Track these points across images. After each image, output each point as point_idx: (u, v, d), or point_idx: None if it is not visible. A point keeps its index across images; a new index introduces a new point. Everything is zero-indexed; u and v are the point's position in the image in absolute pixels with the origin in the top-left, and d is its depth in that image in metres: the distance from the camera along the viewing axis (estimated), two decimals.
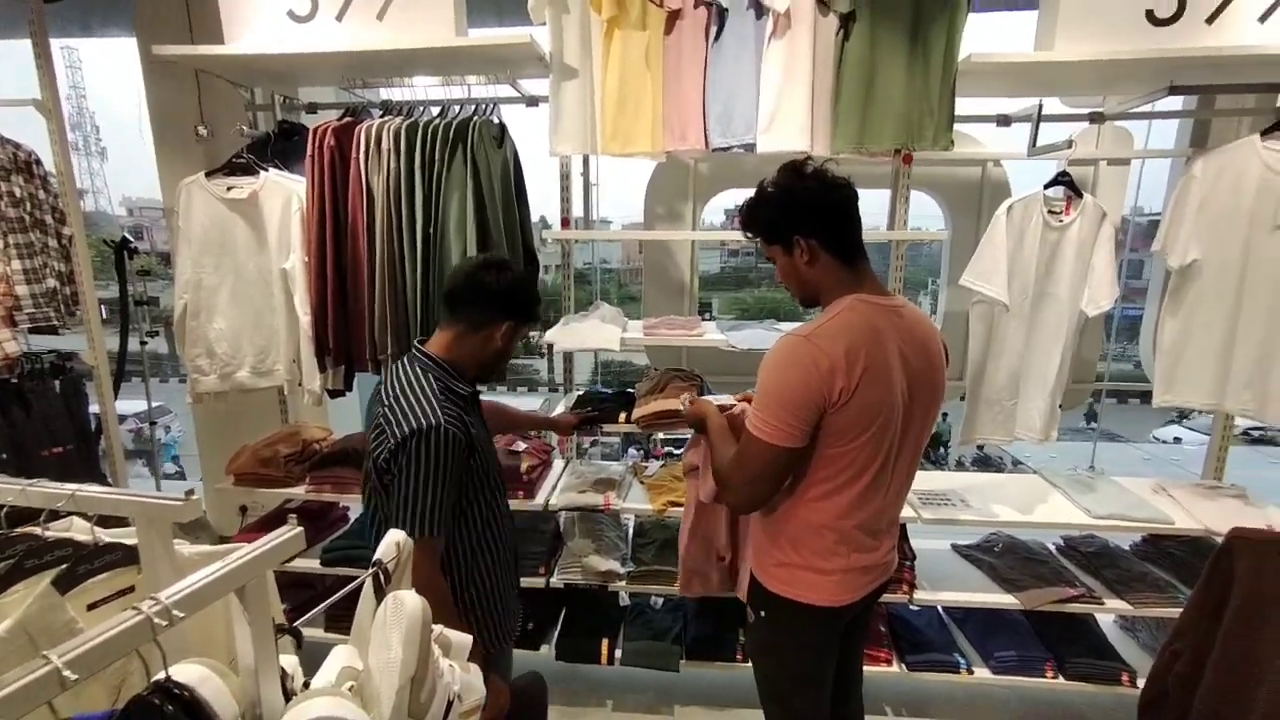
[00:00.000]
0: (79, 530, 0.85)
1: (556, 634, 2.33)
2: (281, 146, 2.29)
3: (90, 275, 2.39)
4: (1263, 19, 1.85)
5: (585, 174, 2.62)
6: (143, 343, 2.79)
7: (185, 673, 0.58)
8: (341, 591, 0.99)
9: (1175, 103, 2.21)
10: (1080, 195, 2.07)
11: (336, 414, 2.83)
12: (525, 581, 2.23)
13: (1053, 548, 2.35)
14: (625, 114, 2.13)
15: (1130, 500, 2.09)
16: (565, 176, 2.41)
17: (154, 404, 3.24)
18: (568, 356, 2.52)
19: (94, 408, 2.47)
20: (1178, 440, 13.36)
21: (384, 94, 2.41)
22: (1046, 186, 2.08)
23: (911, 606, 2.23)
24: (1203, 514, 2.02)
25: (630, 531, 2.48)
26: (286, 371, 2.27)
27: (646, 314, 2.84)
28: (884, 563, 1.37)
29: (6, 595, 0.72)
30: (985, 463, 9.81)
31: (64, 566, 0.73)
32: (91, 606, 0.74)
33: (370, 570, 0.98)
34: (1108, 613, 2.14)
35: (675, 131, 2.15)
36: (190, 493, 0.73)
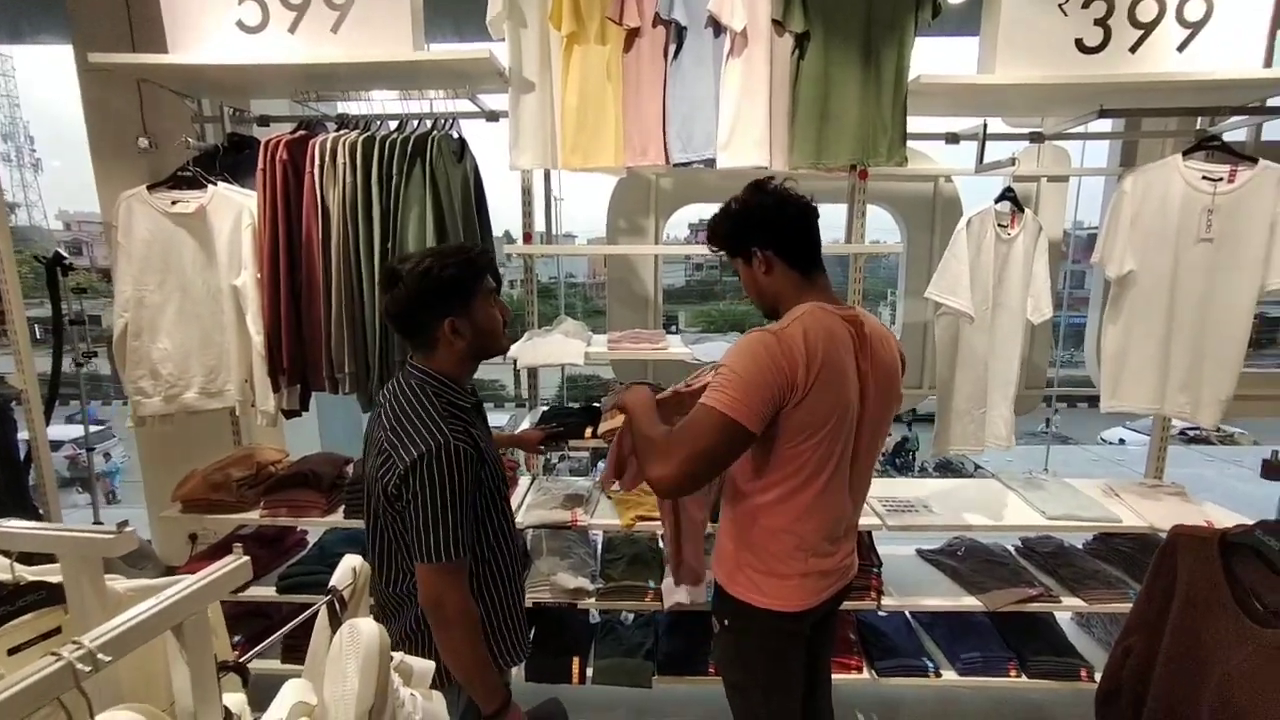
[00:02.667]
0: None
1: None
2: (231, 160, 2.21)
3: (18, 292, 2.26)
4: (1181, 48, 1.98)
5: (548, 189, 2.61)
6: (78, 364, 2.64)
7: None
8: (294, 621, 0.94)
9: (1106, 124, 2.34)
10: (1022, 210, 2.16)
11: (292, 435, 2.73)
12: None
13: (1012, 549, 2.42)
14: (585, 129, 2.13)
15: (1081, 500, 2.17)
16: (527, 191, 2.39)
17: (94, 428, 3.06)
18: (533, 372, 2.48)
19: (23, 434, 2.32)
20: (1122, 441, 13.99)
21: (340, 107, 2.36)
22: (996, 201, 2.17)
23: (880, 613, 2.27)
24: (1147, 512, 2.11)
25: (599, 548, 2.45)
26: (238, 392, 2.18)
27: (611, 328, 2.84)
28: (842, 567, 1.40)
29: None
30: (947, 467, 10.12)
31: None
32: (13, 651, 0.68)
33: (325, 598, 0.94)
34: (1065, 610, 2.20)
35: (636, 146, 2.16)
36: (124, 524, 0.68)
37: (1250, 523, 1.03)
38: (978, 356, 2.22)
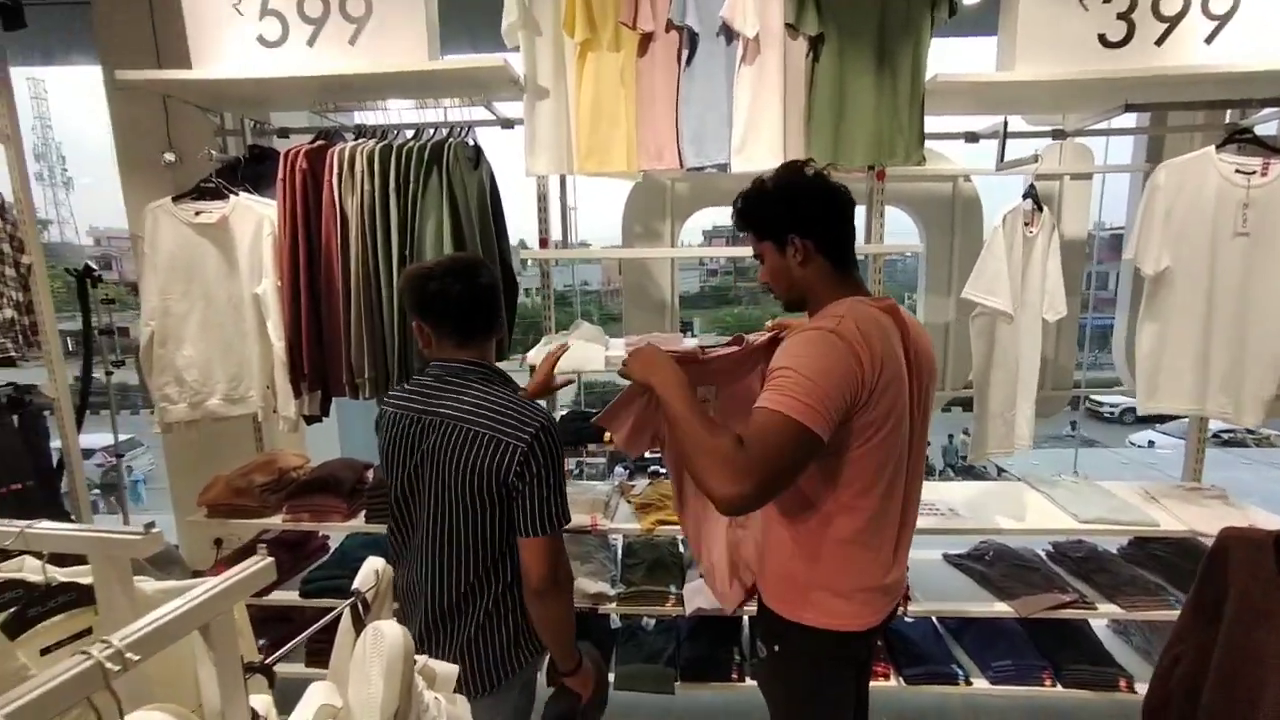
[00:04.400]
0: (30, 570, 0.80)
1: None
2: (252, 171, 2.25)
3: (50, 305, 2.32)
4: (1209, 40, 1.93)
5: (563, 197, 2.63)
6: (108, 373, 2.70)
7: None
8: (317, 624, 0.95)
9: (1131, 120, 2.29)
10: (1042, 209, 2.12)
11: (314, 440, 2.76)
12: None
13: (1043, 554, 2.35)
14: (600, 134, 2.14)
15: (1115, 504, 2.11)
16: (543, 198, 2.40)
17: (122, 437, 3.13)
18: None
19: (55, 442, 2.37)
20: (1151, 444, 13.64)
21: (357, 118, 2.39)
22: (1024, 198, 2.13)
23: (906, 619, 2.22)
24: (1187, 515, 2.04)
25: (619, 552, 2.44)
26: (260, 398, 2.21)
27: (628, 333, 2.83)
28: (900, 580, 1.31)
29: None
30: (969, 471, 9.91)
31: (13, 609, 0.68)
32: (45, 651, 0.69)
33: (348, 601, 0.94)
34: (1100, 617, 2.13)
35: (650, 151, 2.16)
36: (151, 525, 0.69)
37: None
38: (1010, 357, 2.17)
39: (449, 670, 1.03)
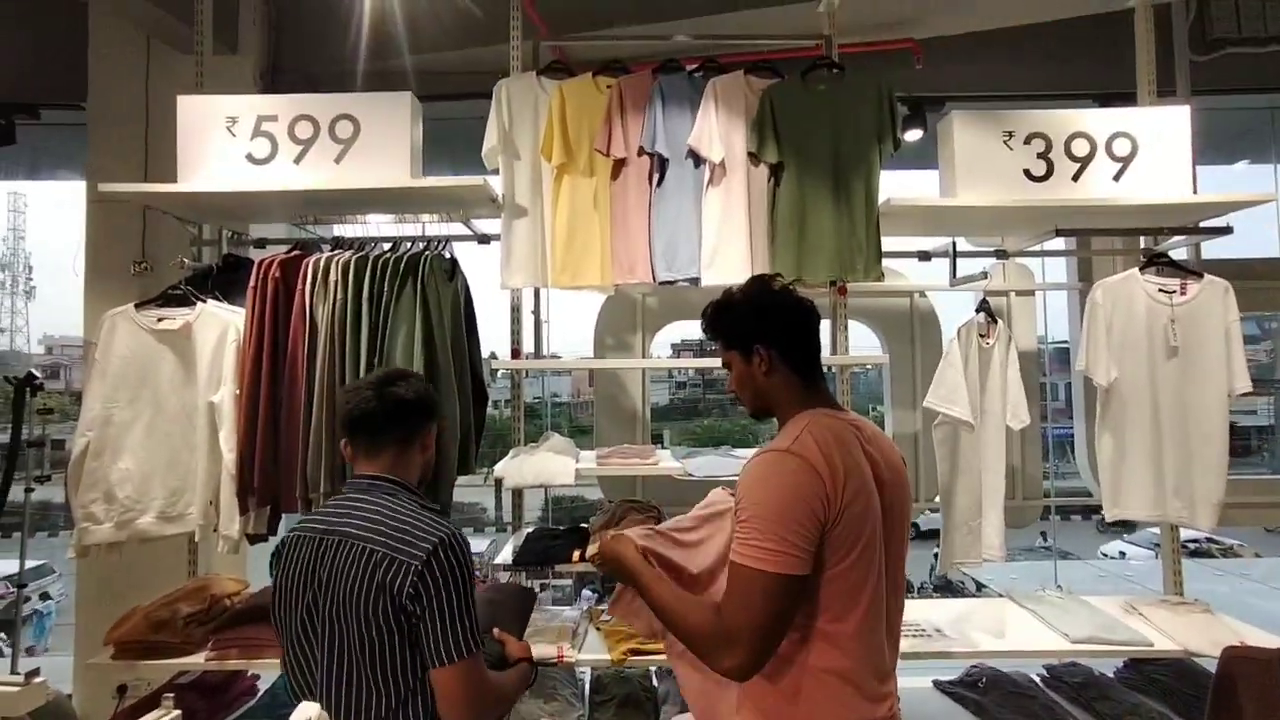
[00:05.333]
0: None
1: None
2: (224, 279, 2.23)
3: None
4: (1116, 178, 2.19)
5: (536, 311, 2.68)
6: (28, 490, 2.48)
7: None
8: None
9: (1060, 243, 2.52)
10: (997, 321, 2.24)
11: (256, 564, 2.52)
12: None
13: (1038, 679, 2.21)
14: (574, 250, 2.23)
15: (1103, 620, 2.03)
16: (515, 309, 2.44)
17: (37, 562, 2.81)
18: (518, 492, 2.38)
19: None
20: (1123, 555, 13.59)
21: (336, 230, 2.45)
22: (976, 311, 2.24)
23: None
24: (1176, 632, 1.97)
25: (586, 687, 2.21)
26: (200, 515, 2.04)
27: (599, 445, 2.77)
28: (892, 712, 1.18)
29: None
30: (948, 587, 9.59)
31: None
32: None
33: None
34: None
35: (623, 266, 2.25)
36: (34, 673, 0.58)
37: None
38: (972, 466, 2.19)
39: None
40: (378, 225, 2.39)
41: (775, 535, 1.03)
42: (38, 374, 2.43)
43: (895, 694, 1.20)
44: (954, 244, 2.37)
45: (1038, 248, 2.52)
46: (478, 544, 1.99)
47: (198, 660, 1.89)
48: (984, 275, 2.33)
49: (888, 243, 2.27)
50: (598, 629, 2.11)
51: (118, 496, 2.01)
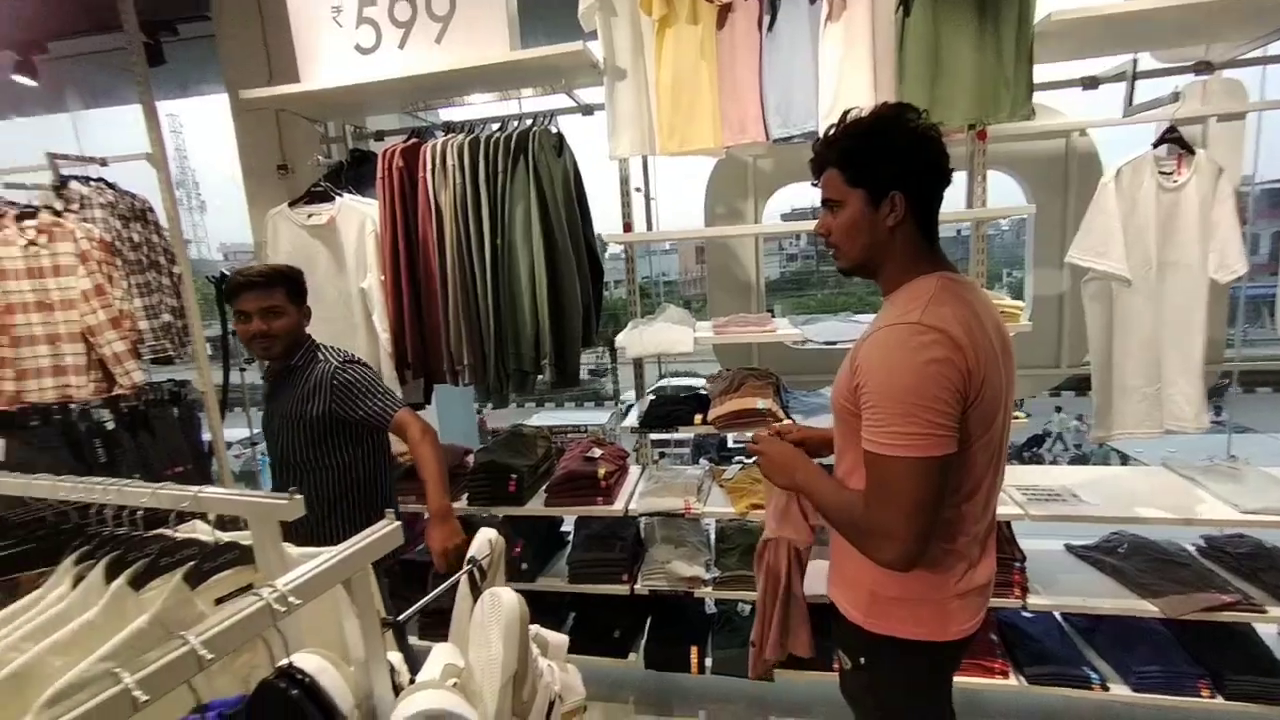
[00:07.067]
0: (202, 531, 0.93)
1: (644, 642, 2.30)
2: (355, 173, 2.41)
3: (197, 310, 2.60)
4: None
5: (645, 188, 2.64)
6: (241, 369, 2.98)
7: (305, 662, 0.59)
8: (438, 590, 1.00)
9: None
10: (1192, 152, 1.88)
11: None
12: (608, 588, 2.21)
13: (1192, 549, 2.08)
14: (681, 111, 2.11)
15: None
16: (625, 181, 2.41)
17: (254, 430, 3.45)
18: (638, 363, 2.50)
19: (204, 434, 2.66)
20: None
21: (444, 115, 2.50)
22: (1155, 145, 1.90)
23: (1025, 613, 2.05)
24: None
25: (712, 537, 2.42)
26: None
27: (714, 316, 2.80)
28: (993, 576, 1.20)
29: (145, 591, 0.78)
30: (1083, 461, 8.99)
31: (191, 564, 0.77)
32: (218, 601, 0.78)
33: (466, 568, 0.98)
34: (1270, 623, 1.86)
35: (734, 125, 2.11)
36: (294, 491, 0.75)
37: None
38: (1141, 326, 1.94)
39: (560, 640, 1.06)
40: (482, 105, 2.40)
41: (919, 418, 0.97)
42: (228, 274, 2.82)
43: (994, 558, 1.20)
44: (1134, 63, 1.96)
45: (1258, 52, 1.98)
46: (598, 416, 2.15)
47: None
48: (1174, 98, 1.93)
49: (1042, 71, 1.92)
50: (720, 486, 2.27)
51: None
